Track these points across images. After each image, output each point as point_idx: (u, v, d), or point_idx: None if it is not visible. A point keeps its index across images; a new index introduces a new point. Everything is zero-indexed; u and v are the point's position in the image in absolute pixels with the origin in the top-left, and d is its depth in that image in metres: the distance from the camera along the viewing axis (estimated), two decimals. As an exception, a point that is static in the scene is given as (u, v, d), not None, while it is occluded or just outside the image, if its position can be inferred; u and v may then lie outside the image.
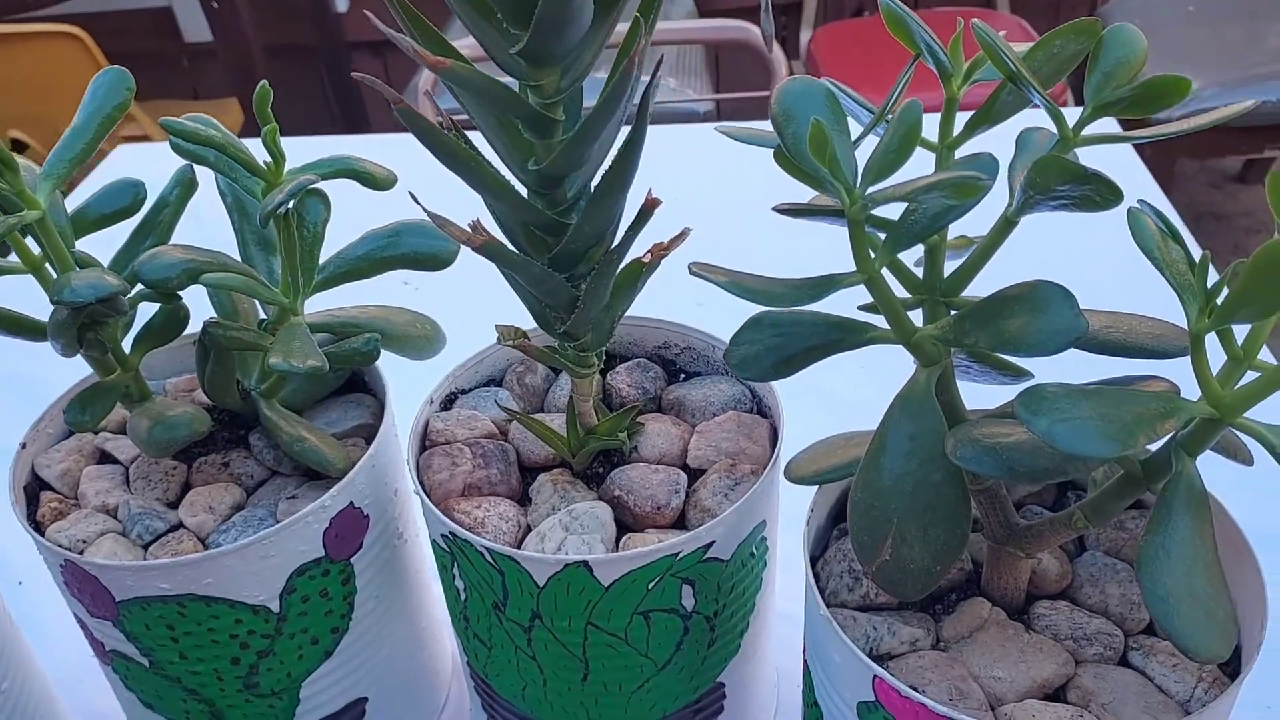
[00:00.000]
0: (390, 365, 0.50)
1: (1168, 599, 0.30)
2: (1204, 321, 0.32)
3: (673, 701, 0.46)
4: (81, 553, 0.43)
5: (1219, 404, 0.32)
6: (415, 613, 0.52)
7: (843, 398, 0.66)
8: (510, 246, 0.39)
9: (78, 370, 0.50)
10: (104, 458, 0.49)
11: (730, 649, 0.47)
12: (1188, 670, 0.37)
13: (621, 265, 0.42)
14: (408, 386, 0.50)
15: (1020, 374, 0.42)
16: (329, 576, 0.45)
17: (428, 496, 0.44)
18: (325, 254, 0.47)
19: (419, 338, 0.50)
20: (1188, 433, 0.34)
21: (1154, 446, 0.35)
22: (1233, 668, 0.38)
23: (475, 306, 0.58)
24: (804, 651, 0.44)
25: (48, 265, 0.43)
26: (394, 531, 0.49)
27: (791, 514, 0.46)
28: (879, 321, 0.38)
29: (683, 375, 0.52)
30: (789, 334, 0.39)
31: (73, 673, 0.57)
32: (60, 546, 0.42)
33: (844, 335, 0.38)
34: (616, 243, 0.39)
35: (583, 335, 0.42)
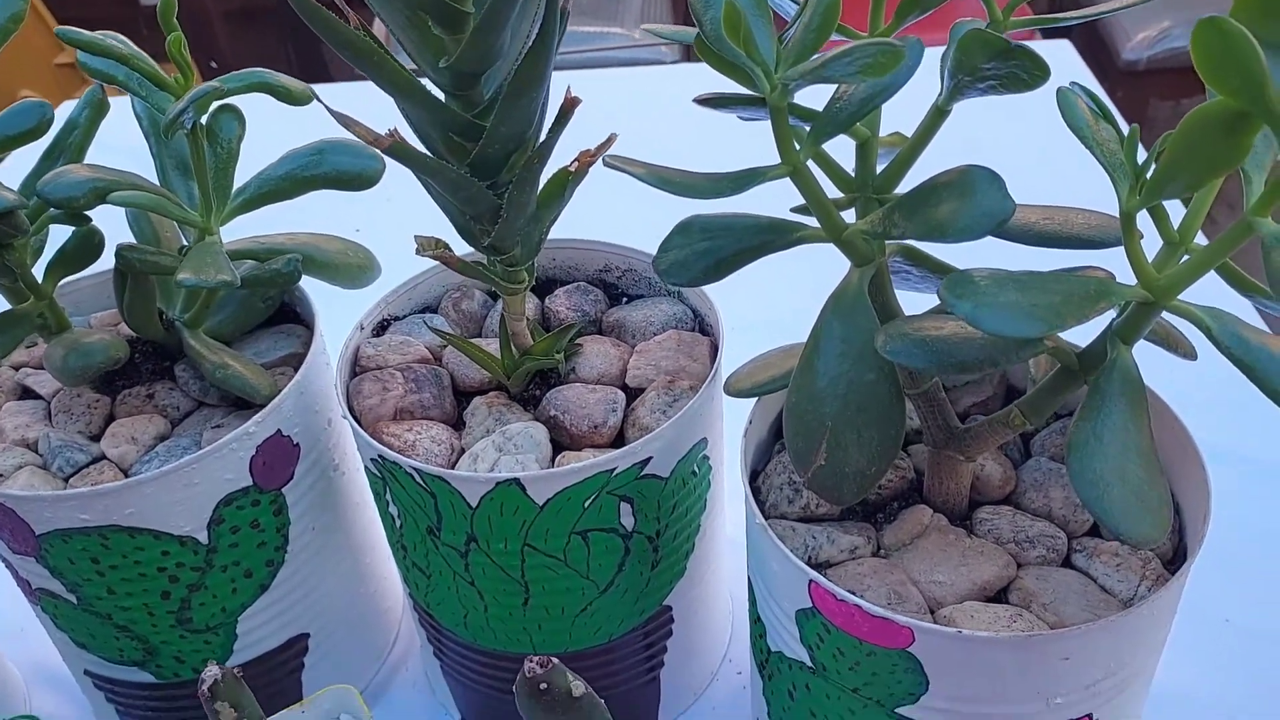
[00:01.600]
0: (327, 297, 0.49)
1: (1098, 483, 0.30)
2: (1134, 199, 0.31)
3: (618, 625, 0.46)
4: (-2, 487, 0.42)
5: (1152, 286, 0.31)
6: (359, 547, 0.51)
7: (791, 316, 0.65)
8: (426, 152, 0.37)
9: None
10: (25, 393, 0.47)
11: (675, 571, 0.46)
12: (1131, 569, 0.37)
13: (548, 174, 0.40)
14: (345, 317, 0.49)
15: (961, 277, 0.41)
16: (259, 507, 0.44)
17: (358, 422, 0.43)
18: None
19: (351, 265, 0.49)
20: (1122, 319, 0.33)
21: (1086, 340, 0.34)
22: (1177, 567, 0.37)
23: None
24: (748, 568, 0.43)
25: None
26: (329, 462, 0.48)
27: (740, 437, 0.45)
28: (812, 223, 0.37)
29: (625, 299, 0.51)
30: (719, 237, 0.38)
31: (13, 623, 0.56)
32: (-26, 480, 0.41)
33: (775, 236, 0.37)
34: (538, 144, 0.38)
35: (510, 248, 0.41)
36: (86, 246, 0.43)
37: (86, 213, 0.42)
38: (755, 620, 0.42)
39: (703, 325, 0.48)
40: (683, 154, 0.88)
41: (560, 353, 0.45)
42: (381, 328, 0.49)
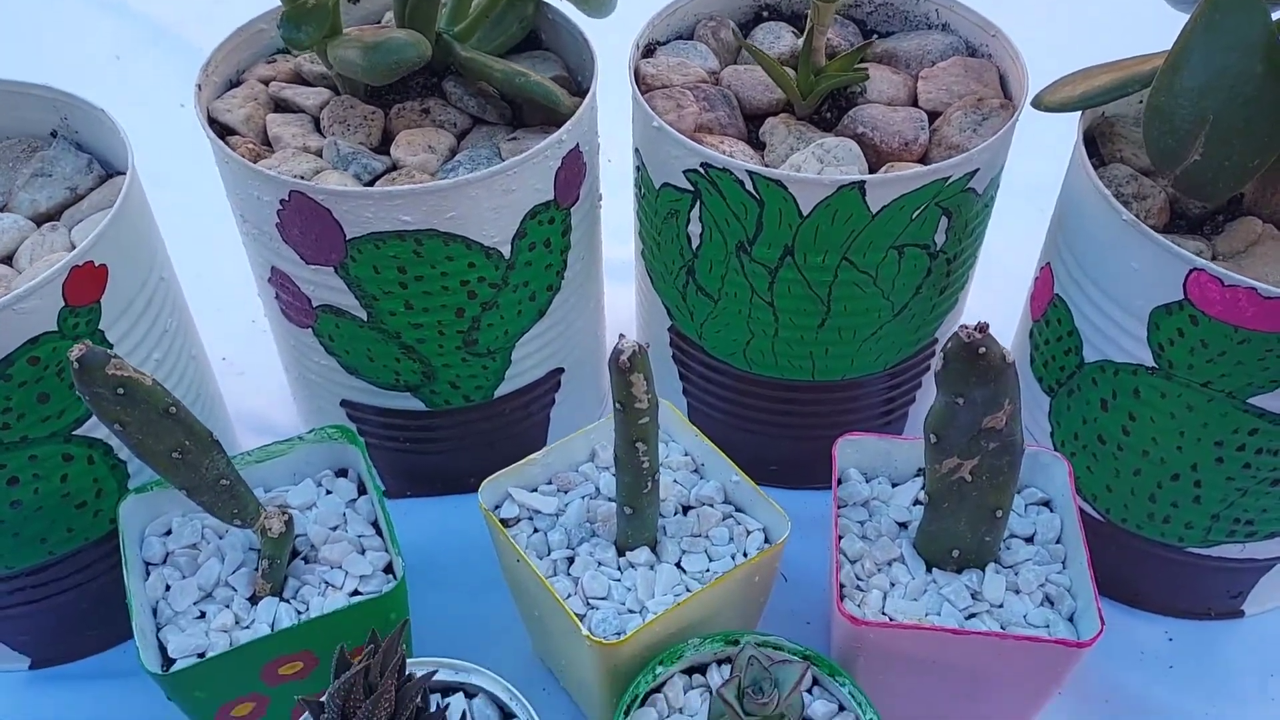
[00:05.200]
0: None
1: None
2: None
3: (895, 353, 0.46)
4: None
5: None
6: (600, 293, 0.50)
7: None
8: None
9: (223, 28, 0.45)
10: (278, 106, 0.44)
11: (950, 301, 0.46)
12: None
13: None
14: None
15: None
16: (553, 225, 0.43)
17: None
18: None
19: (598, -8, 0.47)
20: None
21: None
22: None
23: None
24: (1040, 296, 0.44)
25: None
26: (596, 191, 0.46)
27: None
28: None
29: (875, 35, 0.49)
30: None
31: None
32: (291, 177, 0.39)
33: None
34: None
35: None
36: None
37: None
38: (1061, 336, 0.43)
39: (976, 54, 0.47)
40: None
41: (858, 70, 0.44)
42: (648, 50, 0.47)
